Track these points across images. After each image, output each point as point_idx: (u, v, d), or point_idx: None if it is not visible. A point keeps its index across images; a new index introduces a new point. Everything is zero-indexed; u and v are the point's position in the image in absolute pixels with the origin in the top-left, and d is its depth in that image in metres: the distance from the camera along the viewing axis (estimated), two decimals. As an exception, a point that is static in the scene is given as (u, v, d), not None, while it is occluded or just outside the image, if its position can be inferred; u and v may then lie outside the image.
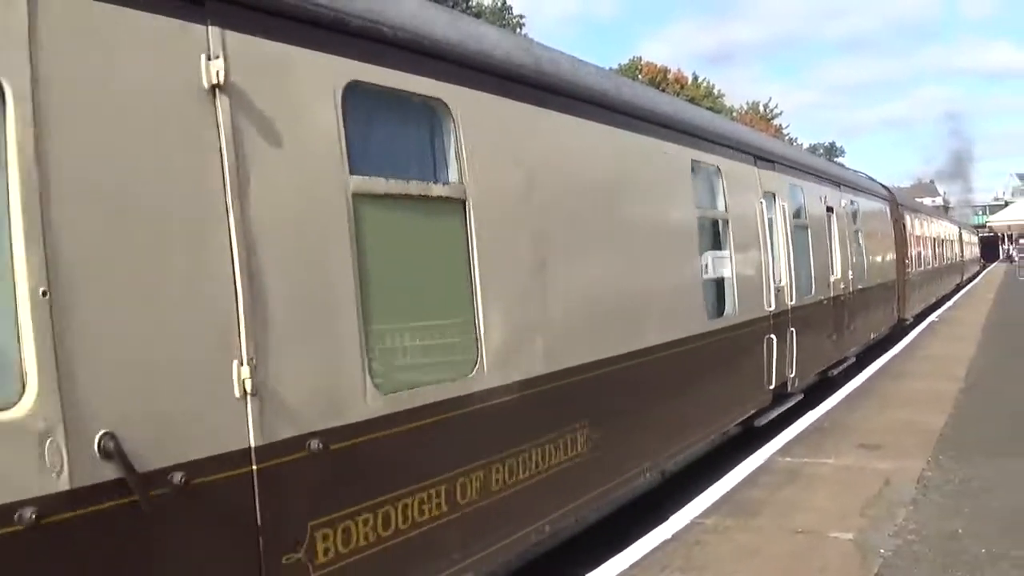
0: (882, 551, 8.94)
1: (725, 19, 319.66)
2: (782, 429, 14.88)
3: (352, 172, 6.49)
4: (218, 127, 5.51)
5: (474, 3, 75.77)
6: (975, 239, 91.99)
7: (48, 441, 4.50)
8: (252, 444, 5.53)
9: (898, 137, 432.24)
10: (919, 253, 37.89)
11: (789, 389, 16.47)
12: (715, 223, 13.75)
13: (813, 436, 14.41)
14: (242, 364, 5.46)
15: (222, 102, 5.53)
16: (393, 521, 6.61)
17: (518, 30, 77.61)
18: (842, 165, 28.51)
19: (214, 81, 5.47)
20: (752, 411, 14.78)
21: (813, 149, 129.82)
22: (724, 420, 13.68)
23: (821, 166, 23.28)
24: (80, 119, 4.83)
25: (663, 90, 72.86)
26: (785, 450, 13.47)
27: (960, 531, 9.47)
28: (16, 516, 4.31)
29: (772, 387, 15.39)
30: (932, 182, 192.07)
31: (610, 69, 13.65)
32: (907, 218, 34.76)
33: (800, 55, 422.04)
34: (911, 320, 32.72)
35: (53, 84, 4.67)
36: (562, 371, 8.83)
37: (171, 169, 5.28)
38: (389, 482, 6.64)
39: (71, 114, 4.77)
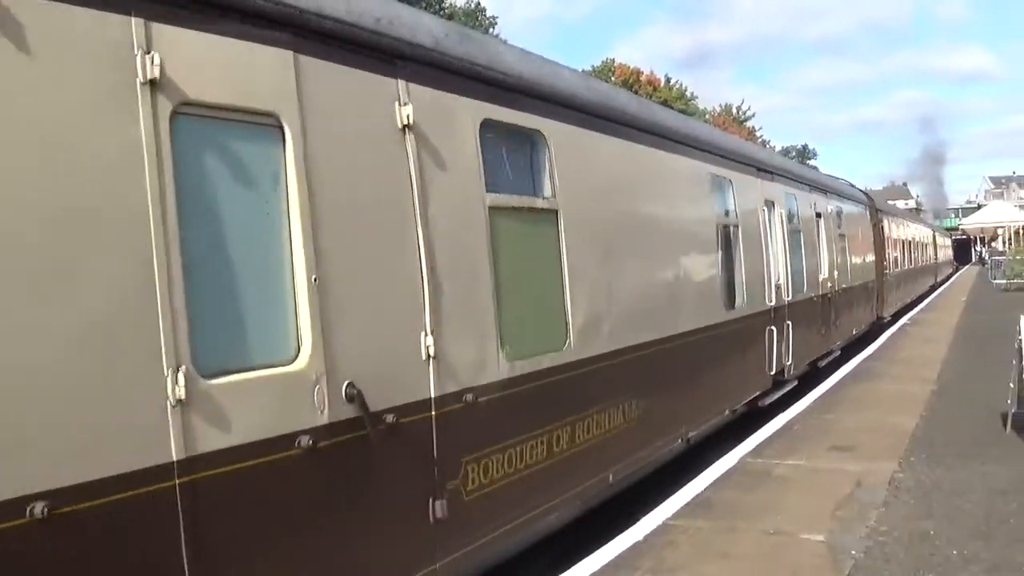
0: (854, 552, 8.93)
1: (698, 22, 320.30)
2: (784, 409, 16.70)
3: (487, 190, 8.37)
4: (407, 156, 7.39)
5: (447, 4, 75.63)
6: (948, 242, 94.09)
7: (316, 387, 6.27)
8: (432, 395, 7.42)
9: (870, 140, 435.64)
10: (896, 255, 39.87)
11: (786, 376, 18.12)
12: (727, 227, 15.37)
13: (785, 437, 14.41)
14: (427, 335, 7.37)
15: (410, 138, 7.41)
16: (512, 461, 8.49)
17: (490, 31, 77.42)
18: (832, 175, 30.39)
19: (405, 123, 7.35)
20: (757, 392, 16.55)
21: (786, 152, 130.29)
22: (736, 398, 15.53)
23: (811, 176, 25.30)
24: (329, 151, 6.61)
25: (635, 92, 73.00)
26: (757, 452, 13.46)
27: (932, 533, 9.47)
28: (297, 441, 6.05)
29: (772, 373, 17.14)
30: (905, 184, 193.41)
31: (583, 71, 14.43)
32: (885, 222, 36.49)
33: (773, 58, 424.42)
34: (888, 319, 34.40)
35: (312, 127, 6.45)
36: (620, 350, 10.68)
37: (382, 188, 7.19)
38: (510, 430, 8.54)
39: (324, 148, 6.54)
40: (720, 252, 14.84)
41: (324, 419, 6.26)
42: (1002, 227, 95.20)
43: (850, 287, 26.40)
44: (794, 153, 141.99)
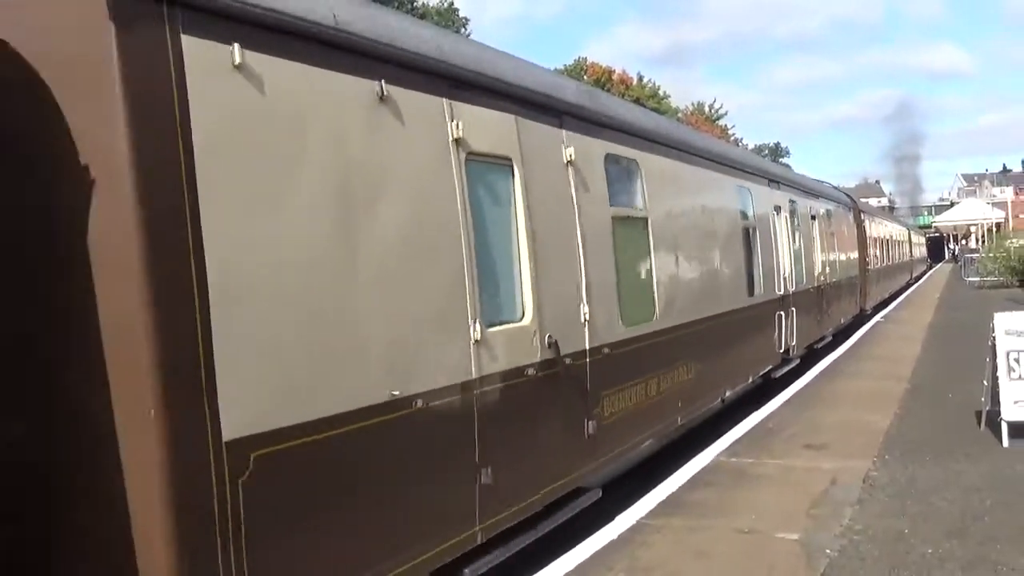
0: (828, 551, 8.92)
1: (669, 21, 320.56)
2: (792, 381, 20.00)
3: (610, 204, 11.48)
4: (570, 182, 10.40)
5: (419, 4, 75.52)
6: (923, 240, 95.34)
7: (534, 337, 9.26)
8: (587, 347, 10.40)
9: (842, 137, 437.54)
10: (877, 253, 42.83)
11: (791, 354, 21.29)
12: (748, 228, 18.63)
13: (759, 436, 14.41)
14: (584, 305, 10.36)
15: (571, 169, 10.42)
16: (625, 399, 11.48)
17: (462, 30, 77.31)
18: (820, 180, 34.69)
19: (568, 159, 10.38)
20: (770, 366, 19.90)
21: (759, 150, 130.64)
22: (756, 369, 18.76)
23: (808, 183, 28.53)
24: (535, 180, 9.55)
25: (608, 90, 73.00)
26: (731, 451, 13.45)
27: (906, 531, 9.47)
28: (527, 371, 9.05)
29: (781, 351, 20.40)
30: (877, 182, 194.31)
31: (555, 70, 16.06)
32: (867, 222, 39.45)
33: (744, 57, 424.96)
34: (870, 311, 36.99)
35: (525, 164, 9.35)
36: (685, 323, 13.83)
37: (561, 204, 10.24)
38: (625, 376, 11.53)
39: (532, 178, 9.48)
40: (744, 249, 18.17)
41: (538, 357, 9.25)
42: (975, 225, 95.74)
43: (839, 281, 29.28)
44: (767, 151, 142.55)
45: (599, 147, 11.39)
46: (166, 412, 5.18)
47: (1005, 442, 12.85)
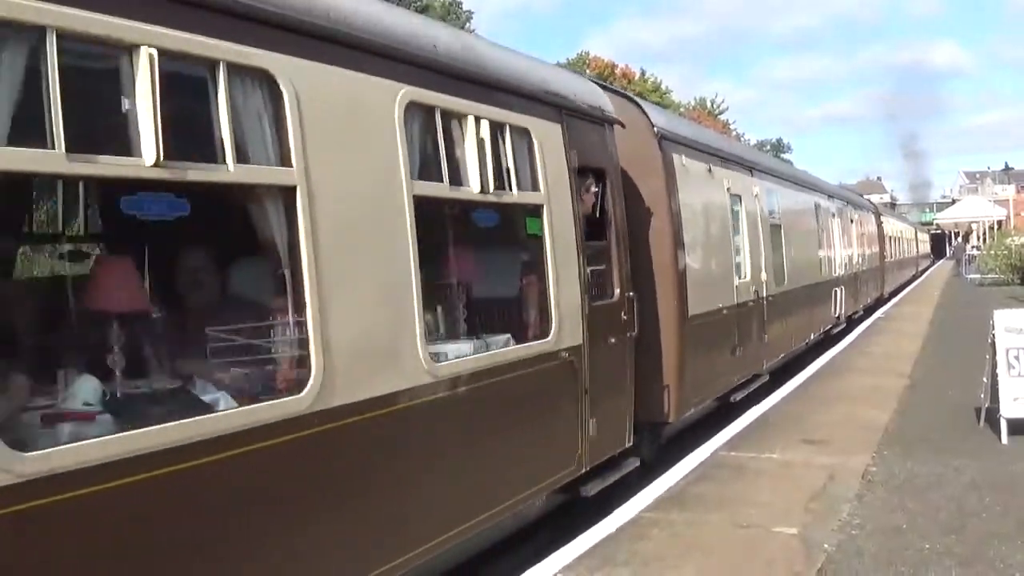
0: (826, 545, 8.92)
1: (667, 16, 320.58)
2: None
3: (771, 221, 20.14)
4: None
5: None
6: (927, 237, 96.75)
7: (754, 287, 17.64)
8: (765, 294, 18.20)
9: (843, 134, 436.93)
10: (891, 248, 51.44)
11: (840, 319, 29.12)
12: (820, 228, 26.99)
13: (758, 431, 14.42)
14: (763, 272, 18.20)
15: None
16: (777, 327, 19.31)
17: (466, 25, 77.07)
18: (850, 188, 48.13)
19: (755, 193, 18.58)
20: (830, 326, 27.66)
21: (761, 145, 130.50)
22: (824, 325, 26.71)
23: (845, 193, 38.33)
24: (692, 216, 14.70)
25: (610, 84, 72.78)
26: (730, 445, 13.45)
27: (904, 526, 9.48)
28: (749, 303, 17.08)
29: (835, 316, 28.34)
30: (879, 179, 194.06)
31: (556, 64, 15.34)
32: (884, 223, 48.23)
33: (743, 53, 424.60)
34: (887, 296, 44.67)
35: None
36: (798, 288, 21.67)
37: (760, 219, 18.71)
38: (777, 314, 19.03)
39: (688, 209, 14.64)
40: (819, 242, 26.83)
41: (754, 296, 15.18)
42: (976, 222, 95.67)
43: (867, 269, 37.36)
44: (769, 147, 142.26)
45: (723, 177, 16.97)
46: (678, 305, 13.22)
47: (1004, 439, 12.87)
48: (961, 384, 16.39)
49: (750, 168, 19.32)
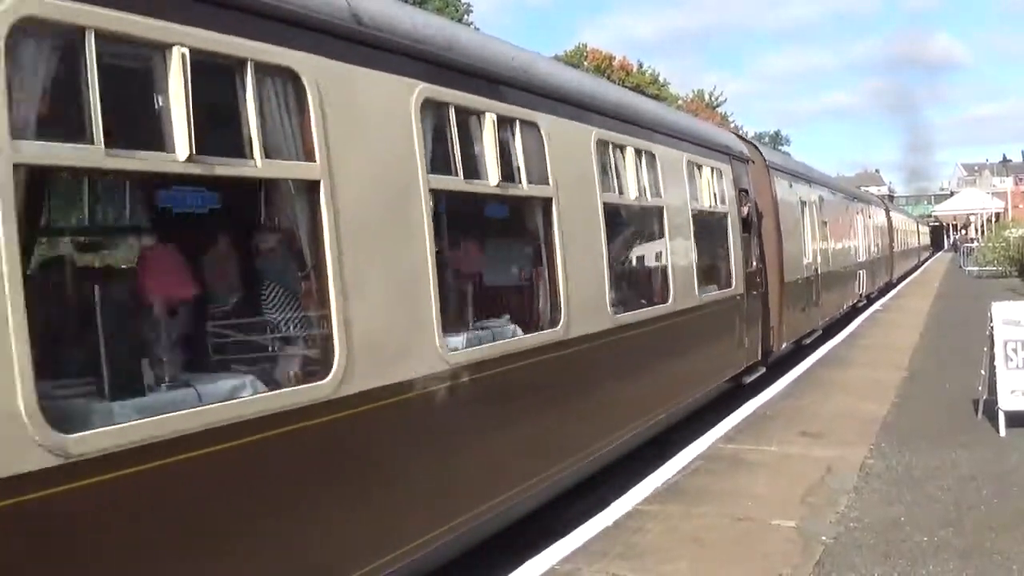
0: (824, 538, 8.91)
1: (662, 7, 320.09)
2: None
3: (825, 223, 29.45)
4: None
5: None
6: (927, 229, 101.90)
7: (812, 266, 25.10)
8: (819, 271, 26.16)
9: (840, 126, 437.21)
10: (898, 239, 58.03)
11: (862, 296, 36.47)
12: (857, 226, 36.36)
13: (756, 424, 14.41)
14: (807, 256, 24.94)
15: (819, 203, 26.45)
16: (827, 296, 27.66)
17: (465, 18, 76.97)
18: (864, 189, 57.60)
19: (811, 201, 26.90)
20: (854, 301, 34.34)
21: (758, 138, 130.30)
22: (851, 301, 33.49)
23: (866, 195, 49.92)
24: (784, 217, 22.69)
25: (608, 77, 72.82)
26: (728, 437, 13.44)
27: (902, 519, 9.47)
28: (809, 279, 24.62)
29: (859, 294, 35.69)
30: (877, 171, 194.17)
31: (554, 56, 16.20)
32: (893, 217, 56.54)
33: (739, 45, 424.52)
34: (895, 281, 51.29)
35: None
36: (837, 270, 30.19)
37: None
38: (827, 286, 27.48)
39: (783, 213, 22.65)
40: (850, 235, 34.77)
41: (809, 273, 22.57)
42: (975, 214, 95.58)
43: (880, 257, 45.14)
44: (767, 139, 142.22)
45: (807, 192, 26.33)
46: (780, 274, 20.90)
47: (1002, 431, 12.85)
48: (959, 376, 16.38)
49: (809, 180, 27.70)
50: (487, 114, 8.77)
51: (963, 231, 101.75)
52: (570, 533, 9.32)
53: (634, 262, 14.01)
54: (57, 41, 5.02)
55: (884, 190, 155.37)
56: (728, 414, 15.12)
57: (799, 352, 22.86)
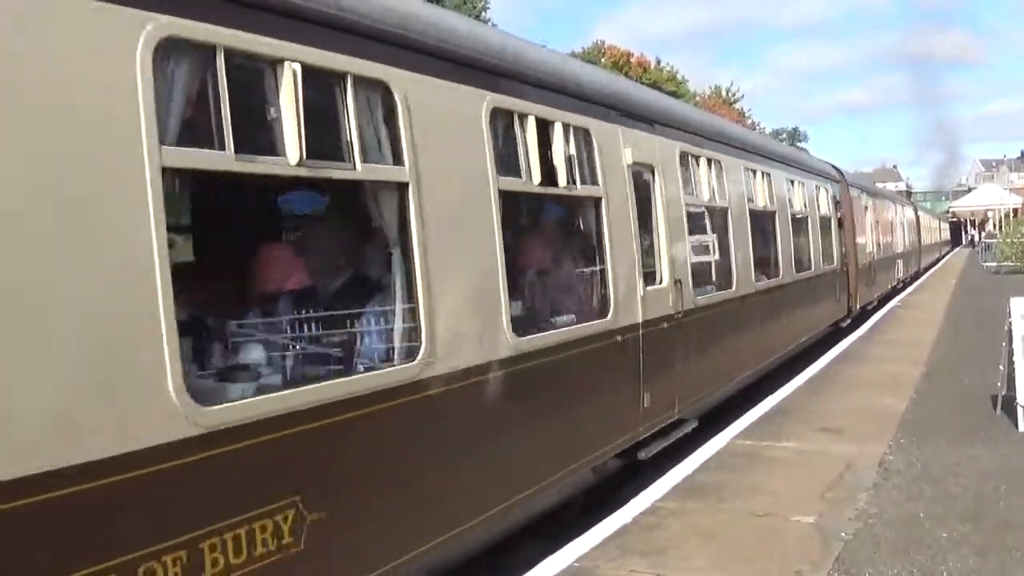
0: (843, 534, 8.92)
1: (677, 3, 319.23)
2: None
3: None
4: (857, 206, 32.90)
5: (439, -12, 74.98)
6: (946, 226, 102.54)
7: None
8: (857, 265, 29.35)
9: (858, 122, 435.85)
10: (924, 234, 64.27)
11: (899, 281, 42.81)
12: (895, 225, 43.63)
13: (774, 419, 14.40)
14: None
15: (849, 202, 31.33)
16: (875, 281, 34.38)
17: (482, 15, 76.90)
18: (906, 193, 63.37)
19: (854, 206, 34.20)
20: (896, 284, 41.67)
21: (776, 135, 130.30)
22: (893, 283, 40.50)
23: (901, 199, 57.31)
24: (856, 218, 31.05)
25: (626, 73, 72.72)
26: (746, 433, 13.44)
27: (921, 515, 9.46)
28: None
29: (899, 277, 43.38)
30: (895, 167, 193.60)
31: (570, 53, 16.80)
32: (920, 216, 63.18)
33: (754, 41, 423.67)
34: (923, 270, 57.56)
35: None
36: (886, 256, 38.84)
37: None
38: (876, 272, 34.23)
39: (856, 215, 30.71)
40: (892, 232, 41.19)
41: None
42: (992, 210, 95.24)
43: (910, 250, 51.37)
44: (784, 136, 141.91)
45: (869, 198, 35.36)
46: (855, 258, 29.04)
47: (1021, 427, 12.83)
48: (978, 372, 16.35)
49: (869, 192, 36.26)
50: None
51: (982, 229, 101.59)
52: (589, 529, 9.34)
53: (807, 250, 22.29)
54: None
55: (902, 186, 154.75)
56: (747, 410, 15.11)
57: (864, 315, 30.54)
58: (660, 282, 12.09)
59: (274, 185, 7.39)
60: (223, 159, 5.64)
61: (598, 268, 10.83)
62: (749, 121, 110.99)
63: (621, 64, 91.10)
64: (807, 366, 19.89)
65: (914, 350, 21.41)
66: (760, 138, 24.67)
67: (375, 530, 6.71)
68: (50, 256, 4.67)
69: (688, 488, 10.80)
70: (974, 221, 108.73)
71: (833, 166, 29.92)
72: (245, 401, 5.84)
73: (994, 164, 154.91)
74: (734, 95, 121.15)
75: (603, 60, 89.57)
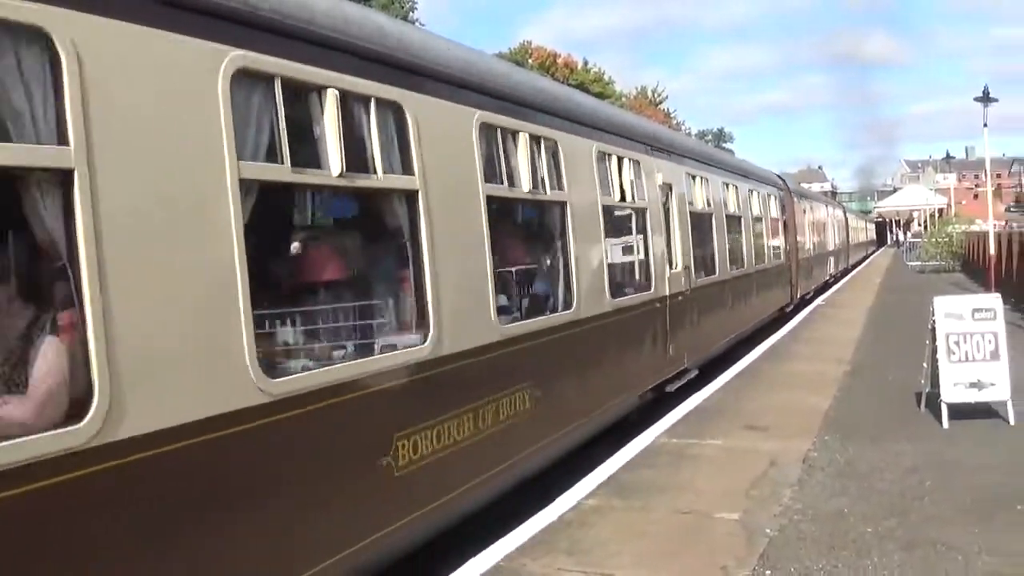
0: (768, 531, 8.92)
1: (601, 4, 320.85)
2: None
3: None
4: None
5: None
6: (872, 226, 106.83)
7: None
8: (800, 257, 35.90)
9: (782, 124, 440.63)
10: (852, 235, 69.19)
11: (838, 271, 51.99)
12: (837, 223, 55.05)
13: (699, 417, 14.43)
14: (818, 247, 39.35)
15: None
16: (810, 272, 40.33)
17: (410, 16, 76.41)
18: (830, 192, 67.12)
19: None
20: (841, 269, 54.89)
21: (702, 135, 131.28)
22: (842, 266, 56.48)
23: (831, 202, 61.99)
24: (801, 224, 37.43)
25: (552, 74, 72.75)
26: (672, 431, 13.44)
27: (846, 511, 9.49)
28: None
29: (831, 272, 48.07)
30: (820, 168, 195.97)
31: (497, 54, 17.75)
32: (848, 218, 68.35)
33: (678, 42, 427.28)
34: (850, 267, 61.81)
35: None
36: (823, 252, 46.37)
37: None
38: (812, 265, 40.31)
39: (801, 221, 37.31)
40: (825, 232, 46.39)
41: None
42: (918, 210, 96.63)
43: (839, 248, 55.16)
44: (710, 136, 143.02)
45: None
46: (795, 254, 33.84)
47: (945, 423, 12.92)
48: (901, 370, 16.48)
49: (807, 197, 42.03)
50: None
51: (906, 227, 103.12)
52: (515, 529, 9.25)
53: (763, 247, 27.34)
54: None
55: (827, 186, 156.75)
56: (671, 409, 15.12)
57: (802, 304, 34.27)
58: (676, 267, 16.51)
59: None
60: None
61: (645, 257, 15.21)
62: (675, 122, 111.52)
63: (548, 65, 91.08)
64: (739, 358, 20.11)
65: (838, 348, 21.61)
66: (732, 159, 28.74)
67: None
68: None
69: (613, 486, 10.75)
70: (899, 221, 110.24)
71: (779, 175, 35.35)
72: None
73: (920, 165, 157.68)
74: (660, 96, 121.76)
75: (530, 61, 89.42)
